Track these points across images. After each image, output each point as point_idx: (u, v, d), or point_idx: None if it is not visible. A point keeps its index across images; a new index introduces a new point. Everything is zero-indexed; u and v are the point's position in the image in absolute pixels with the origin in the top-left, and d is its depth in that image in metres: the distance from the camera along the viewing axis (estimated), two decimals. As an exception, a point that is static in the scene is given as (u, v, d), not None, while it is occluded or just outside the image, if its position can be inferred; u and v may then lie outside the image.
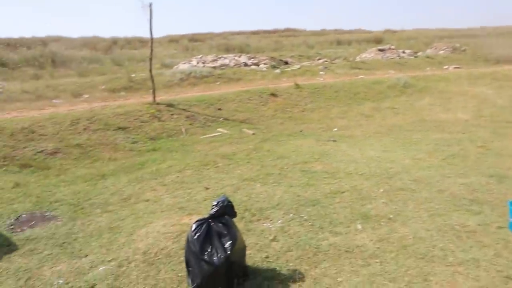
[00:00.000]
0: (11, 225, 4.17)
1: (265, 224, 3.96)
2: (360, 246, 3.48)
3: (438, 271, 3.07)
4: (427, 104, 11.18)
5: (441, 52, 24.17)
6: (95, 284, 3.05)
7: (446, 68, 19.10)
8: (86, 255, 3.50)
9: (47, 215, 4.40)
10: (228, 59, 19.01)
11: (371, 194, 4.65)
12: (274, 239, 3.65)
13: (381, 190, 4.74)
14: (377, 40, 33.41)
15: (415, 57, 21.98)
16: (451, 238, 3.57)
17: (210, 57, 19.17)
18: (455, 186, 4.78)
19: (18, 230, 4.06)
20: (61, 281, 3.11)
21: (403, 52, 22.95)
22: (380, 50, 22.98)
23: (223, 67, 17.26)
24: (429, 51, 24.50)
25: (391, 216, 4.06)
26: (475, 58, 22.08)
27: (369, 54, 22.91)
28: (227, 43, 30.03)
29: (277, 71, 16.62)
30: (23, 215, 4.39)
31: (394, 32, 40.94)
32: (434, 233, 3.68)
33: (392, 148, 6.79)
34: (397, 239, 3.59)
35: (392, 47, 23.99)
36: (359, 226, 3.87)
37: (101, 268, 3.27)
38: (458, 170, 5.40)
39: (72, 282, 3.10)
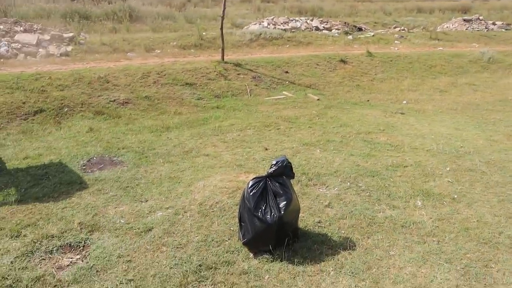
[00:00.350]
0: (84, 165, 4.53)
1: (321, 190, 3.94)
2: (418, 223, 3.35)
3: (502, 259, 2.88)
4: (512, 82, 10.16)
5: (539, 26, 21.56)
6: (152, 227, 3.26)
7: (542, 45, 17.08)
8: (147, 200, 3.73)
9: (114, 160, 4.72)
10: (299, 22, 18.51)
11: (436, 171, 4.40)
12: (328, 205, 3.62)
13: (448, 169, 4.47)
14: (464, 8, 30.53)
15: (506, 29, 19.86)
16: (521, 227, 3.31)
17: (281, 19, 18.78)
18: (534, 173, 4.38)
19: (89, 170, 4.41)
20: (122, 221, 3.36)
21: (493, 24, 20.82)
22: (466, 20, 21.01)
23: (293, 30, 16.88)
24: (524, 24, 21.97)
25: (455, 196, 3.84)
26: None
27: (453, 24, 21.08)
28: (300, 5, 29.14)
29: (349, 37, 15.94)
30: (94, 158, 4.75)
31: (486, 0, 37.12)
32: (503, 219, 3.43)
33: (465, 126, 6.32)
34: (459, 221, 3.39)
35: (481, 17, 21.82)
36: (419, 203, 3.70)
37: (159, 213, 3.48)
38: (540, 157, 4.91)
39: (132, 223, 3.33)
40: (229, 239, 3.12)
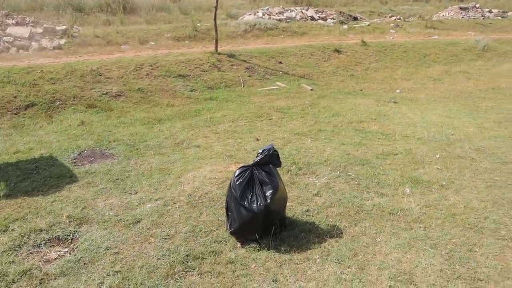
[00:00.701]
0: (74, 159, 4.53)
1: (310, 179, 3.95)
2: (405, 210, 3.37)
3: (486, 243, 2.90)
4: (506, 70, 10.16)
5: (535, 13, 21.48)
6: (141, 219, 3.27)
7: (537, 32, 17.02)
8: (136, 192, 3.73)
9: (105, 153, 4.72)
10: (294, 12, 18.39)
11: (426, 159, 4.42)
12: (317, 194, 3.64)
13: (437, 156, 4.49)
14: (461, -3, 30.37)
15: (502, 17, 19.80)
16: (507, 212, 3.33)
17: (276, 9, 18.65)
18: (522, 160, 4.40)
19: (80, 164, 4.41)
20: (111, 213, 3.37)
21: (490, 12, 20.74)
22: (462, 8, 20.91)
23: (288, 20, 16.79)
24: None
25: (443, 183, 3.86)
26: None
27: (449, 12, 20.99)
28: (296, -5, 28.95)
29: (345, 27, 15.86)
30: (85, 151, 4.75)
31: (482, -11, 36.88)
32: (489, 204, 3.45)
33: (457, 114, 6.32)
34: (446, 207, 3.42)
35: (477, 5, 21.71)
36: (408, 190, 3.72)
37: (148, 205, 3.49)
38: (530, 143, 4.93)
39: (121, 215, 3.34)
40: (217, 229, 3.13)
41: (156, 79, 8.04)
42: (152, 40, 12.38)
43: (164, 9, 19.82)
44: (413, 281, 2.53)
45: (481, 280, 2.53)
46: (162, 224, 3.21)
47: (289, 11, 18.52)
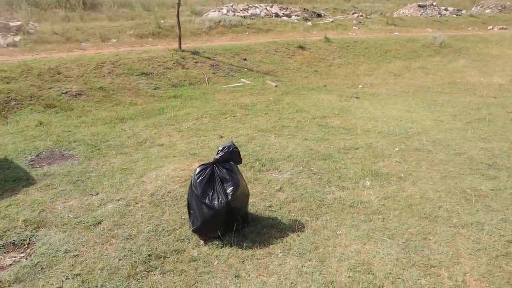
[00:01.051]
0: (32, 161, 4.37)
1: (273, 175, 3.99)
2: (365, 202, 3.47)
3: (439, 231, 3.04)
4: (461, 66, 10.61)
5: (488, 11, 22.57)
6: (102, 220, 3.20)
7: (490, 29, 17.90)
8: (97, 193, 3.65)
9: (65, 154, 4.58)
10: (259, 9, 18.45)
11: (386, 152, 4.56)
12: (280, 190, 3.68)
13: (397, 149, 4.64)
14: (419, -5, 31.39)
15: (457, 15, 20.64)
16: (459, 201, 3.50)
17: (241, 6, 18.64)
18: (474, 150, 4.62)
19: (37, 166, 4.25)
20: (71, 215, 3.28)
21: (446, 10, 21.57)
22: (421, 6, 21.65)
23: (253, 17, 16.81)
24: (474, 10, 22.92)
25: (401, 175, 4.00)
26: (524, 18, 20.52)
27: (408, 10, 21.67)
28: (260, -8, 28.99)
29: (309, 23, 16.07)
30: (43, 152, 4.59)
31: (439, -13, 38.29)
32: (443, 194, 3.61)
33: (416, 108, 6.55)
34: (403, 198, 3.54)
35: (434, 3, 22.54)
36: (368, 183, 3.83)
37: (110, 206, 3.42)
38: (481, 135, 5.18)
39: (81, 217, 3.26)
40: (180, 228, 3.12)
41: (119, 77, 7.87)
42: (114, 37, 12.09)
43: (126, 6, 19.38)
44: (371, 271, 2.61)
45: (434, 267, 2.65)
46: (124, 224, 3.16)
47: (253, 8, 18.55)
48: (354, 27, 16.08)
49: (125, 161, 4.34)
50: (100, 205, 3.45)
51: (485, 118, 5.96)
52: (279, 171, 4.06)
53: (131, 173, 4.05)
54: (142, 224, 3.17)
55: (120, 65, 8.31)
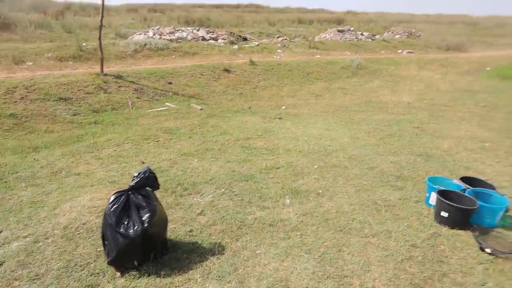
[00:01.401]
0: None
1: (195, 199, 3.96)
2: (284, 220, 3.57)
3: (352, 242, 3.21)
4: (376, 86, 11.47)
5: (397, 36, 24.75)
6: (3, 261, 2.94)
7: (400, 52, 19.62)
8: (1, 231, 3.36)
9: (-35, 188, 4.17)
10: (186, 32, 18.52)
11: (305, 170, 4.75)
12: (201, 213, 3.66)
13: (316, 167, 4.86)
14: (338, 21, 33.71)
15: (372, 40, 22.38)
16: (371, 212, 3.73)
17: (167, 29, 18.58)
18: (385, 164, 4.98)
19: None
20: (-32, 257, 2.98)
21: (362, 34, 23.29)
22: (339, 31, 23.20)
23: (180, 40, 16.82)
24: (386, 35, 25.03)
25: (320, 191, 4.18)
26: (428, 44, 22.80)
27: (329, 34, 23.08)
28: (187, 15, 29.23)
29: (235, 47, 16.42)
30: None
31: (356, 14, 41.45)
32: (357, 207, 3.83)
33: (335, 127, 6.94)
34: (320, 213, 3.70)
35: (352, 28, 24.28)
36: (287, 201, 3.95)
37: (15, 244, 3.16)
38: (391, 149, 5.61)
39: (-21, 259, 2.98)
40: (94, 261, 2.96)
41: (33, 103, 7.39)
42: (30, 60, 11.38)
43: (44, 26, 18.42)
44: (288, 287, 2.68)
45: (347, 276, 2.79)
46: (31, 263, 2.93)
47: (180, 31, 18.60)
48: (278, 50, 16.73)
49: (36, 193, 4.06)
50: (3, 244, 3.17)
51: (395, 133, 6.47)
52: (201, 195, 4.05)
53: (43, 206, 3.78)
54: (52, 261, 2.96)
55: (35, 90, 7.83)
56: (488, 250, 3.22)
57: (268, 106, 8.78)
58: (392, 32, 25.66)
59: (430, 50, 21.14)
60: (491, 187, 4.12)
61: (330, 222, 3.55)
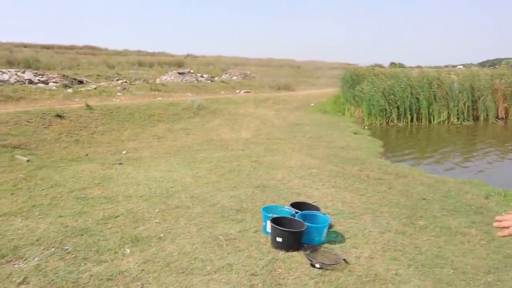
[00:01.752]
0: None
1: (16, 265, 3.44)
2: (124, 272, 3.37)
3: (195, 282, 3.22)
4: (216, 124, 12.07)
5: (235, 77, 26.75)
6: None
7: (238, 92, 21.19)
8: None
9: None
10: (7, 74, 16.48)
11: (146, 215, 4.62)
12: (23, 282, 3.19)
13: (157, 210, 4.77)
14: (179, 63, 34.69)
15: (211, 81, 23.66)
16: (213, 248, 3.82)
17: (-18, 72, 16.24)
18: (225, 199, 5.21)
19: None
20: None
21: (201, 76, 24.43)
22: (180, 73, 23.86)
23: (0, 84, 14.85)
24: (224, 76, 26.79)
25: (161, 235, 4.11)
26: (262, 84, 25.23)
27: (170, 77, 23.51)
28: (9, 55, 26.15)
29: (69, 90, 15.30)
30: None
31: (195, 57, 43.35)
32: (199, 245, 3.88)
33: (177, 167, 6.98)
34: (162, 258, 3.63)
35: (192, 71, 25.25)
36: (128, 250, 3.76)
37: None
38: (231, 184, 5.92)
39: None
40: None
41: None
42: None
43: None
44: None
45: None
46: None
47: (0, 73, 16.48)
48: (118, 93, 16.23)
49: None
50: None
51: (235, 169, 6.86)
52: (25, 259, 3.54)
53: None
54: None
55: None
56: (317, 265, 3.62)
57: (107, 152, 8.34)
58: (229, 74, 27.62)
59: (264, 90, 23.42)
60: (316, 208, 4.69)
61: (173, 265, 3.50)
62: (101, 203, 5.01)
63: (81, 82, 18.55)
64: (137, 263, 3.53)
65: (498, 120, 15.39)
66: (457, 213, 5.17)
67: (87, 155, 7.98)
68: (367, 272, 3.50)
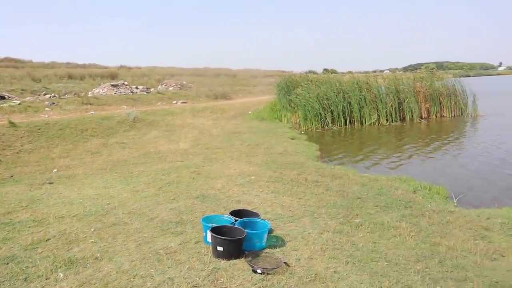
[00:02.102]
0: None
1: None
2: (57, 298, 3.18)
3: (134, 301, 3.11)
4: (154, 137, 11.80)
5: (171, 88, 26.34)
6: None
7: (175, 103, 20.88)
8: None
9: None
10: None
11: (81, 235, 4.40)
12: None
13: (92, 229, 4.56)
14: (112, 75, 33.40)
15: (147, 92, 23.09)
16: (153, 264, 3.72)
17: None
18: (165, 212, 5.11)
19: None
20: None
21: (136, 88, 23.76)
22: (114, 85, 23.03)
23: None
24: (160, 87, 26.28)
25: (98, 255, 3.93)
26: (199, 94, 25.08)
27: (102, 89, 22.61)
28: None
29: (-12, 108, 14.15)
30: None
31: (129, 68, 42.04)
32: (138, 262, 3.76)
33: (113, 183, 6.72)
34: (100, 279, 3.47)
35: (126, 82, 24.47)
36: (61, 275, 3.55)
37: None
38: (170, 196, 5.81)
39: None
40: None
41: None
42: None
43: None
44: None
45: None
46: None
47: None
48: (46, 109, 15.31)
49: None
50: None
51: (174, 181, 6.75)
52: None
53: None
54: None
55: None
56: (259, 271, 3.66)
57: (36, 171, 7.82)
58: (165, 85, 27.14)
59: (201, 99, 23.29)
60: (256, 214, 4.75)
61: (111, 285, 3.36)
62: (29, 227, 4.68)
63: (2, 97, 17.25)
64: (71, 287, 3.34)
65: (422, 120, 16.61)
66: (389, 208, 5.49)
67: (12, 176, 7.42)
68: (307, 273, 3.60)
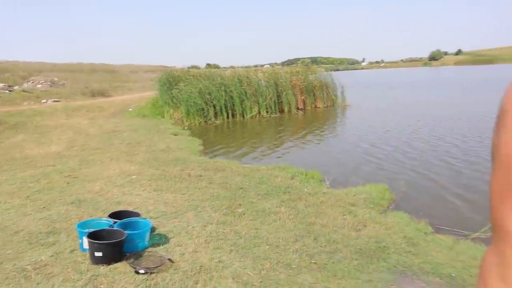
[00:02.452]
0: None
1: None
2: None
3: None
4: (20, 140, 10.54)
5: (40, 86, 23.76)
6: None
7: (45, 102, 18.91)
8: None
9: None
10: None
11: None
12: None
13: None
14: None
15: (10, 91, 20.46)
16: (18, 282, 3.34)
17: None
18: (33, 223, 4.62)
19: None
20: None
21: (-4, 86, 20.85)
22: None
23: None
24: (26, 85, 23.48)
25: None
26: (73, 91, 23.10)
27: (-50, 88, 19.33)
28: None
29: None
30: None
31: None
32: (0, 283, 3.34)
33: (-34, 197, 5.83)
34: (-51, 308, 3.00)
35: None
36: None
37: None
38: (40, 205, 5.27)
39: None
40: None
41: None
42: None
43: None
44: None
45: None
46: None
47: None
48: None
49: None
50: None
51: (44, 187, 6.13)
52: None
53: None
54: None
55: None
56: (141, 271, 3.55)
57: None
58: (32, 82, 24.36)
59: (77, 97, 21.51)
60: (136, 214, 4.58)
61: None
62: None
63: None
64: None
65: (299, 111, 17.84)
66: (270, 195, 5.79)
67: None
68: (192, 266, 3.62)
